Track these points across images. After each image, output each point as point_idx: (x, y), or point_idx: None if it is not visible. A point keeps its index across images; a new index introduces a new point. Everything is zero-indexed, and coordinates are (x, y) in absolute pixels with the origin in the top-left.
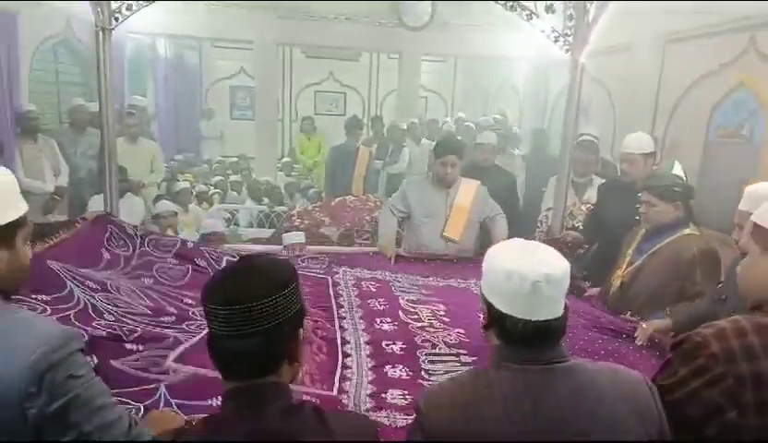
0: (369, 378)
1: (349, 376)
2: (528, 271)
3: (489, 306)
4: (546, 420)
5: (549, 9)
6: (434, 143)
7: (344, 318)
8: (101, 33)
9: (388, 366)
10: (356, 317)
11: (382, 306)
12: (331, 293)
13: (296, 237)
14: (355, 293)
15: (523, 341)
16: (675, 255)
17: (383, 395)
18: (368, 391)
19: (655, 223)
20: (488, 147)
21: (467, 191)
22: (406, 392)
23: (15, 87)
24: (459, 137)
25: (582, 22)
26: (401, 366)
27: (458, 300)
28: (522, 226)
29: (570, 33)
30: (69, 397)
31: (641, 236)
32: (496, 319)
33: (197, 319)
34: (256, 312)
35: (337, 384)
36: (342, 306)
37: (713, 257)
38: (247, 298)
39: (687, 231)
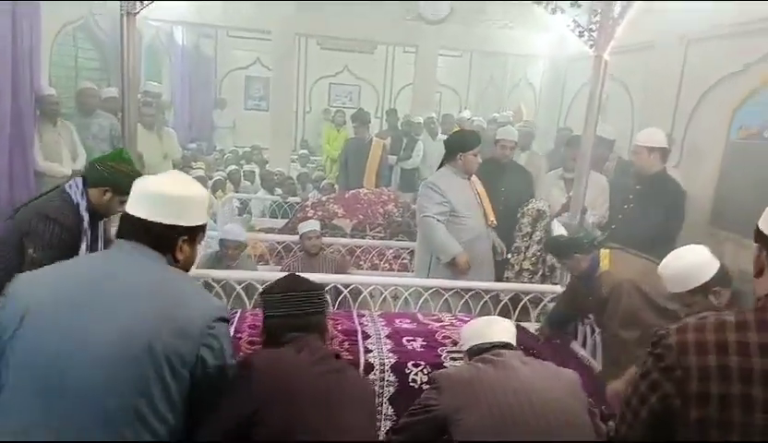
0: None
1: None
2: None
3: None
4: None
5: (575, 4)
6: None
7: (364, 316)
8: (125, 17)
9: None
10: (375, 316)
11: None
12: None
13: (311, 226)
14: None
15: None
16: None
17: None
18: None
19: (578, 273)
20: (509, 143)
21: (477, 181)
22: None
23: (36, 71)
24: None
25: (608, 18)
26: (422, 364)
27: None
28: None
29: (594, 29)
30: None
31: None
32: None
33: None
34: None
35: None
36: (363, 315)
37: (618, 295)
38: (317, 287)
39: (602, 268)
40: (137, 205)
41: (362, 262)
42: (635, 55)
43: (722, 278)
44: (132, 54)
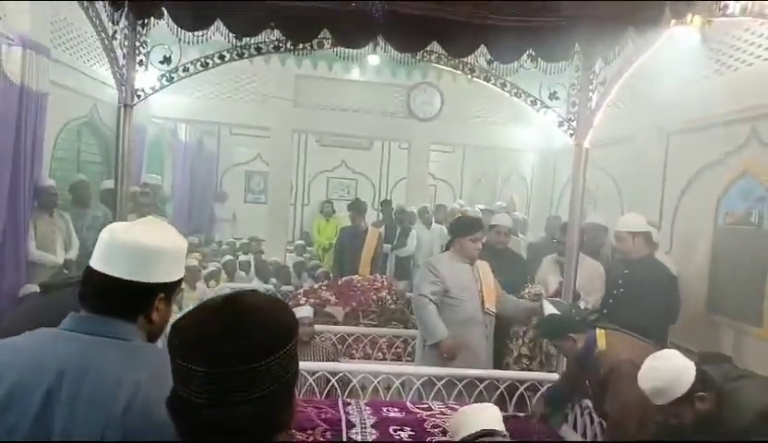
0: None
1: None
2: None
3: None
4: None
5: (553, 96)
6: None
7: (350, 404)
8: (122, 109)
9: None
10: (362, 404)
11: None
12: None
13: (304, 312)
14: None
15: None
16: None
17: None
18: None
19: (574, 355)
20: (503, 229)
21: (484, 267)
22: None
23: (37, 163)
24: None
25: (585, 108)
26: None
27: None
28: None
29: (573, 119)
30: None
31: None
32: None
33: None
34: (248, 376)
35: None
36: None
37: (618, 377)
38: (239, 359)
39: (599, 347)
40: (106, 260)
41: (354, 351)
42: (618, 148)
43: (702, 381)
44: (128, 145)
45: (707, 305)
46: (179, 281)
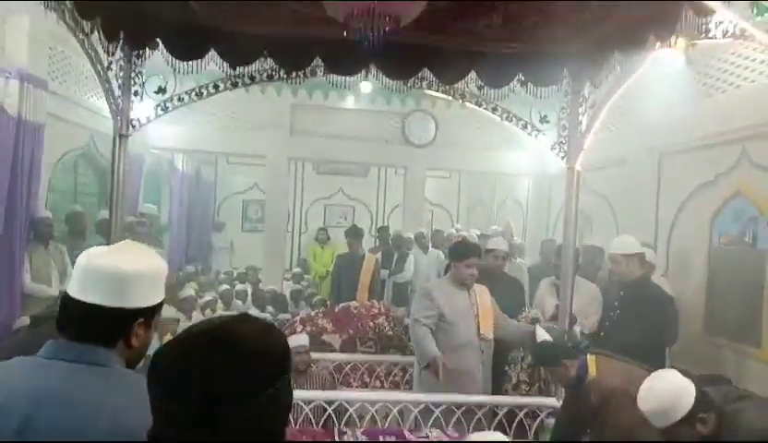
0: None
1: None
2: None
3: None
4: None
5: (544, 120)
6: (443, 251)
7: (345, 433)
8: (117, 139)
9: None
10: (358, 433)
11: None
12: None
13: (300, 340)
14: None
15: None
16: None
17: None
18: None
19: (566, 382)
20: (500, 253)
21: (483, 293)
22: None
23: (33, 195)
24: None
25: (576, 131)
26: None
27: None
28: None
29: (564, 141)
30: None
31: None
32: None
33: None
34: (234, 416)
35: None
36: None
37: (607, 408)
38: (222, 398)
39: (590, 375)
40: (83, 287)
41: (351, 380)
42: (611, 170)
43: (703, 402)
44: (123, 175)
45: (705, 326)
46: (159, 305)
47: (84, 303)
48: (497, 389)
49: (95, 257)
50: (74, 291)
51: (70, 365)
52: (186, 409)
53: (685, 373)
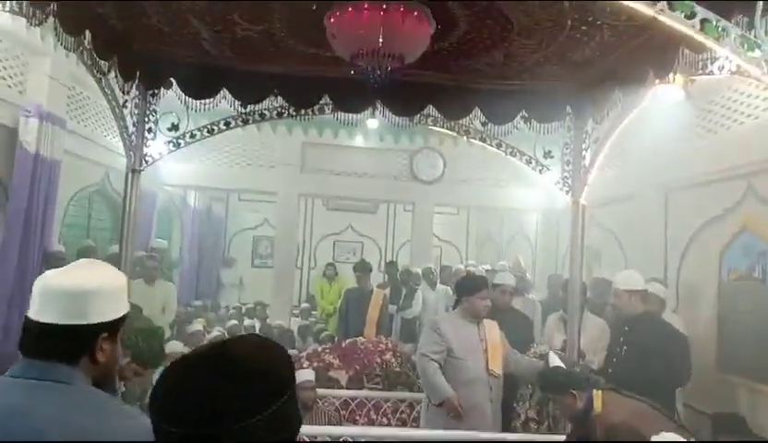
0: None
1: None
2: None
3: None
4: None
5: (548, 155)
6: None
7: None
8: (130, 174)
9: None
10: None
11: None
12: None
13: (306, 375)
14: None
15: None
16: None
17: None
18: None
19: (572, 414)
20: (507, 288)
21: (492, 328)
22: None
23: (47, 230)
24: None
25: (579, 166)
26: None
27: None
28: None
29: (568, 176)
30: None
31: None
32: None
33: None
34: (232, 436)
35: None
36: None
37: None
38: (222, 418)
39: (595, 410)
40: (40, 307)
41: (357, 416)
42: (619, 206)
43: None
44: (134, 210)
45: (717, 363)
46: (122, 319)
47: (41, 323)
48: (505, 426)
49: (50, 278)
50: (32, 313)
51: (34, 383)
52: (187, 429)
53: (699, 414)
